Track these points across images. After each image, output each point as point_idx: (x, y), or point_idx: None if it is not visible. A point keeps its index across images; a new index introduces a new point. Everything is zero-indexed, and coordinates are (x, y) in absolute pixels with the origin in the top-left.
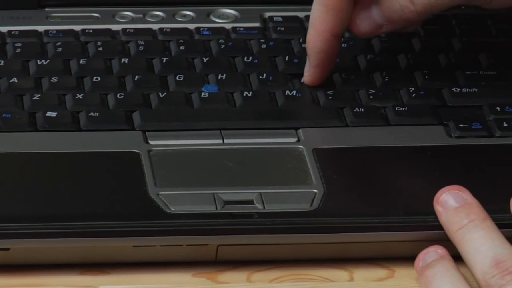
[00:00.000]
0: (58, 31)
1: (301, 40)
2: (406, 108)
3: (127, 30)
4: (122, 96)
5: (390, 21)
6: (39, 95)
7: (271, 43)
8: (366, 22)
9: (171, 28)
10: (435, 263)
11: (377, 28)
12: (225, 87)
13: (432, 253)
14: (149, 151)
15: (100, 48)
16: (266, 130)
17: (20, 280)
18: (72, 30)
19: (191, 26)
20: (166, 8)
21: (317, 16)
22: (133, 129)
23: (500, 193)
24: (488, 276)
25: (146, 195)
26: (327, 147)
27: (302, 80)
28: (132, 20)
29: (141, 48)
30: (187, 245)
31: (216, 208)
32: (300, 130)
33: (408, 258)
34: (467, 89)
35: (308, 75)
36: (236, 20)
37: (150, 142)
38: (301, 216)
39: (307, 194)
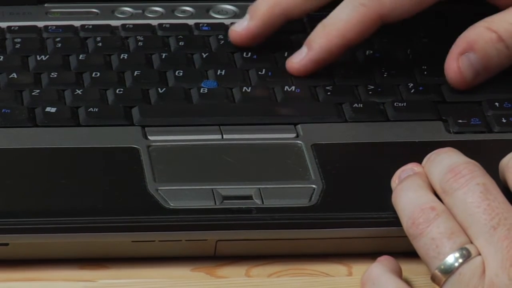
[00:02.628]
0: (57, 26)
1: (300, 36)
2: (405, 104)
3: (127, 25)
4: (121, 92)
5: (486, 69)
6: (38, 91)
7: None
8: (469, 70)
9: (171, 24)
10: (406, 178)
11: (476, 76)
12: (224, 83)
13: (408, 170)
14: (148, 146)
15: (100, 44)
16: (265, 126)
17: (19, 274)
18: (72, 26)
19: (191, 21)
20: (165, 4)
21: (348, 21)
22: (132, 124)
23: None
24: (443, 182)
25: (145, 191)
26: (326, 142)
27: (287, 67)
28: (132, 16)
29: (140, 43)
30: (186, 240)
31: (215, 203)
32: (299, 126)
33: (407, 253)
34: None
35: (302, 65)
36: (235, 15)
37: (149, 137)
38: (299, 212)
39: (306, 190)
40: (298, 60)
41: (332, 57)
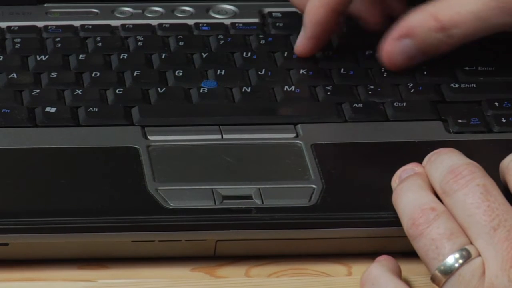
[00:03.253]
0: (57, 26)
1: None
2: (404, 104)
3: (126, 25)
4: (121, 92)
5: (424, 54)
6: (38, 91)
7: (270, 39)
8: (402, 56)
9: (170, 24)
10: (406, 178)
11: (410, 61)
12: (224, 83)
13: (408, 170)
14: (148, 146)
15: (99, 44)
16: (265, 126)
17: (19, 274)
18: (71, 26)
19: (190, 21)
20: (165, 4)
21: None
22: (132, 124)
23: (498, 187)
24: (444, 183)
25: (145, 190)
26: (325, 142)
27: (295, 50)
28: (131, 16)
29: (140, 43)
30: (185, 240)
31: (215, 203)
32: (298, 126)
33: (406, 253)
34: (466, 85)
35: (300, 45)
36: (235, 15)
37: (149, 137)
38: (299, 212)
39: (305, 190)
40: (298, 43)
41: (324, 27)
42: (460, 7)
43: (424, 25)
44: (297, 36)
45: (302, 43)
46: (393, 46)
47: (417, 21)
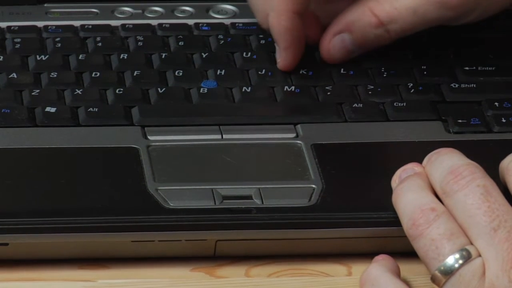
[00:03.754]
0: (57, 26)
1: None
2: (404, 104)
3: (126, 25)
4: (121, 92)
5: (362, 48)
6: (38, 91)
7: (270, 39)
8: (340, 51)
9: (170, 24)
10: (406, 178)
11: (349, 55)
12: (224, 83)
13: (409, 170)
14: (148, 146)
15: (99, 44)
16: (265, 126)
17: (19, 274)
18: (71, 26)
19: (190, 21)
20: (165, 4)
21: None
22: (132, 124)
23: (499, 188)
24: (444, 183)
25: (145, 190)
26: (325, 142)
27: (278, 66)
28: (131, 16)
29: (140, 43)
30: (185, 240)
31: (215, 203)
32: (298, 126)
33: (406, 253)
34: (466, 85)
35: (281, 60)
36: (235, 15)
37: (149, 137)
38: (299, 212)
39: (305, 190)
40: (278, 58)
41: (293, 34)
42: (397, 2)
43: (361, 21)
44: None
45: (281, 57)
46: (331, 42)
47: (355, 16)
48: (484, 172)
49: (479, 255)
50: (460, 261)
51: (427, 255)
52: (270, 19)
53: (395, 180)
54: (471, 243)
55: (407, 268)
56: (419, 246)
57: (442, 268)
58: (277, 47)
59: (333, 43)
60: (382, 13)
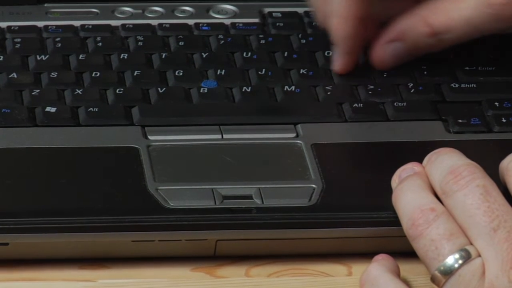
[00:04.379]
0: (57, 26)
1: (300, 36)
2: (405, 104)
3: (126, 25)
4: (121, 92)
5: (413, 55)
6: (38, 90)
7: (270, 39)
8: (391, 58)
9: (170, 24)
10: (406, 178)
11: (399, 61)
12: (224, 83)
13: (408, 170)
14: (148, 146)
15: (100, 44)
16: (265, 126)
17: (19, 274)
18: (72, 26)
19: (190, 21)
20: (165, 4)
21: (340, 3)
22: (132, 124)
23: (498, 188)
24: (443, 183)
25: (145, 190)
26: (326, 142)
27: (332, 68)
28: (132, 16)
29: (140, 43)
30: (186, 240)
31: (215, 203)
32: (299, 126)
33: (406, 253)
34: (466, 85)
35: (340, 64)
36: (235, 15)
37: (149, 137)
38: (299, 211)
39: (305, 189)
40: (336, 61)
41: (355, 40)
42: (452, 13)
43: (415, 30)
44: (297, 35)
45: (340, 61)
46: (383, 49)
47: (408, 25)
48: (484, 172)
49: (479, 255)
50: (460, 261)
51: (426, 255)
52: (333, 24)
53: (395, 180)
54: (471, 243)
55: (407, 268)
56: (419, 246)
57: (441, 268)
58: (336, 49)
59: (386, 51)
60: (437, 22)
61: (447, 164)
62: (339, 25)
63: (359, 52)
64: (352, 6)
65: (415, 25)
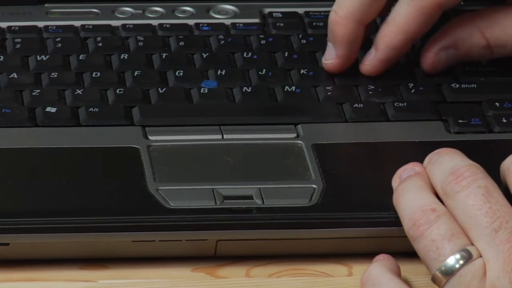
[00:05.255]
0: (57, 26)
1: (300, 36)
2: (405, 104)
3: (127, 25)
4: (121, 92)
5: (462, 62)
6: (38, 91)
7: (270, 39)
8: (443, 65)
9: (171, 24)
10: (407, 178)
11: (449, 67)
12: (225, 83)
13: (409, 170)
14: (148, 146)
15: (100, 44)
16: (265, 126)
17: (20, 274)
18: (72, 26)
19: (191, 22)
20: (165, 4)
21: (407, 16)
22: (133, 124)
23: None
24: (445, 184)
25: (146, 190)
26: (326, 142)
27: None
28: (132, 16)
29: (140, 43)
30: (186, 240)
31: (215, 203)
32: (299, 126)
33: (407, 253)
34: (466, 85)
35: (372, 67)
36: (235, 16)
37: (150, 137)
38: (300, 211)
39: (306, 190)
40: (368, 62)
41: (399, 52)
42: (509, 29)
43: (470, 40)
44: (298, 36)
45: (373, 64)
46: (436, 55)
47: (464, 35)
48: (485, 173)
49: (480, 256)
50: (461, 262)
51: (427, 255)
52: (386, 31)
53: (395, 180)
54: (472, 244)
55: (408, 269)
56: (420, 246)
57: (442, 268)
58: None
59: (439, 57)
60: (493, 36)
61: (448, 165)
62: (339, 26)
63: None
64: (359, 10)
65: (471, 36)
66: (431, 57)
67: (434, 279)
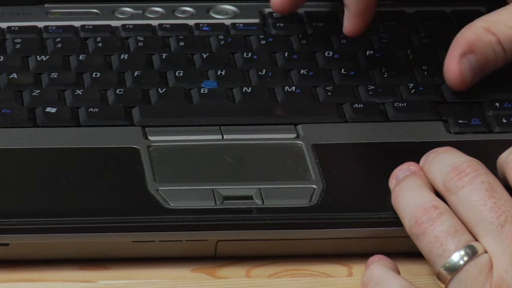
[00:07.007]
0: (57, 27)
1: (300, 36)
2: (405, 104)
3: (127, 26)
4: (121, 92)
5: (483, 70)
6: (38, 91)
7: (270, 39)
8: (469, 73)
9: (171, 24)
10: (405, 178)
11: (475, 77)
12: (225, 83)
13: (405, 170)
14: (148, 146)
15: (100, 44)
16: (265, 126)
17: (20, 275)
18: (72, 26)
19: (191, 22)
20: (165, 4)
21: None
22: (133, 124)
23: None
24: (447, 180)
25: (146, 191)
26: (326, 143)
27: (343, 31)
28: (132, 16)
29: (140, 44)
30: (186, 240)
31: (215, 203)
32: (299, 126)
33: (407, 254)
34: None
35: (349, 26)
36: (235, 16)
37: (150, 137)
38: (300, 212)
39: (306, 190)
40: (346, 23)
41: (368, 2)
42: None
43: (482, 40)
44: (298, 36)
45: (349, 22)
46: (460, 65)
47: (474, 35)
48: (486, 169)
49: (485, 251)
50: (465, 258)
51: (431, 252)
52: None
53: (392, 181)
54: (475, 240)
55: (408, 269)
56: (423, 244)
57: (447, 265)
58: (346, 12)
59: (463, 65)
60: (499, 31)
61: (448, 162)
62: None
63: (370, 16)
64: None
65: (481, 36)
66: (454, 67)
67: (438, 276)
